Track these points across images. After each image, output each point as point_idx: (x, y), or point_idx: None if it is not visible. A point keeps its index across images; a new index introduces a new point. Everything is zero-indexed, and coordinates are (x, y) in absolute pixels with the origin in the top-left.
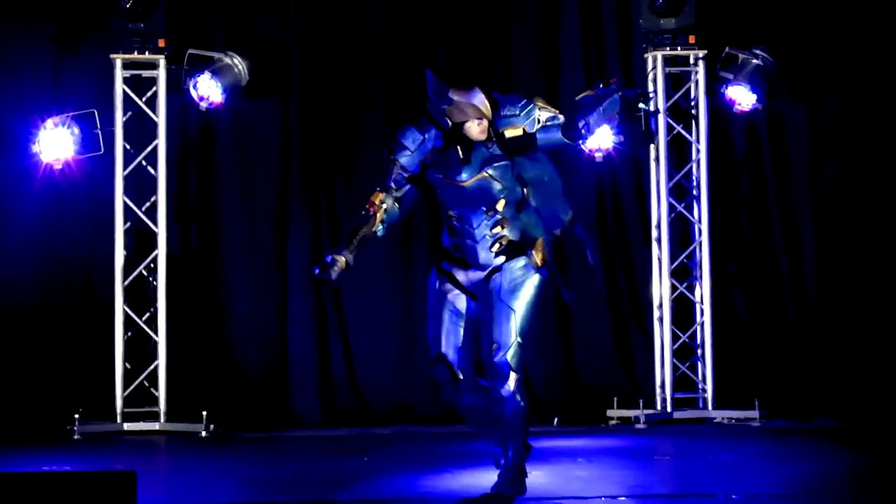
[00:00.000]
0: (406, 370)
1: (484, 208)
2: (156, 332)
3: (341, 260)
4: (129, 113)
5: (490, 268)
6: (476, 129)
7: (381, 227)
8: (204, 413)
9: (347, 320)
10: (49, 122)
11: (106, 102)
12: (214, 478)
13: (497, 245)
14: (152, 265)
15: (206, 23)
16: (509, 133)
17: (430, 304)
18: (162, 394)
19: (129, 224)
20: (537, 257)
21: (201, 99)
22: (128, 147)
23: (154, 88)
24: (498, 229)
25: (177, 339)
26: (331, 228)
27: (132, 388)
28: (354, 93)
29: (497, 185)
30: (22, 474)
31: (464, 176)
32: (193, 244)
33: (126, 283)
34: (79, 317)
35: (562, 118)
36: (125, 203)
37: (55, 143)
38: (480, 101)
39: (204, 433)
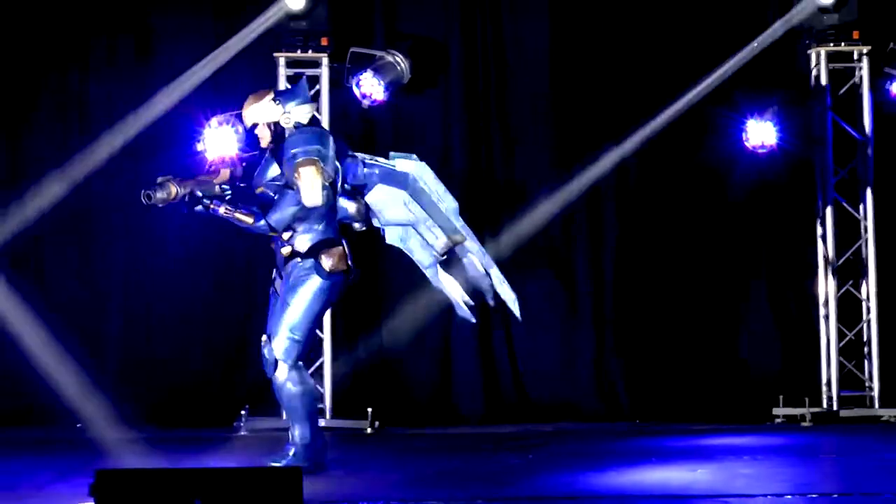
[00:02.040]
0: (568, 367)
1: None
2: (321, 330)
3: (172, 189)
4: None
5: (289, 264)
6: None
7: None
8: (369, 410)
9: (511, 316)
10: (213, 121)
11: None
12: (379, 474)
13: (285, 251)
14: None
15: (367, 21)
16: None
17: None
18: (327, 391)
19: None
20: (327, 263)
21: (364, 96)
22: None
23: (317, 86)
24: (286, 237)
25: (341, 336)
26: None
27: None
28: (515, 91)
29: (271, 198)
30: (190, 470)
31: (256, 184)
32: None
33: None
34: (247, 315)
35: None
36: None
37: (219, 141)
38: (249, 114)
39: (369, 430)
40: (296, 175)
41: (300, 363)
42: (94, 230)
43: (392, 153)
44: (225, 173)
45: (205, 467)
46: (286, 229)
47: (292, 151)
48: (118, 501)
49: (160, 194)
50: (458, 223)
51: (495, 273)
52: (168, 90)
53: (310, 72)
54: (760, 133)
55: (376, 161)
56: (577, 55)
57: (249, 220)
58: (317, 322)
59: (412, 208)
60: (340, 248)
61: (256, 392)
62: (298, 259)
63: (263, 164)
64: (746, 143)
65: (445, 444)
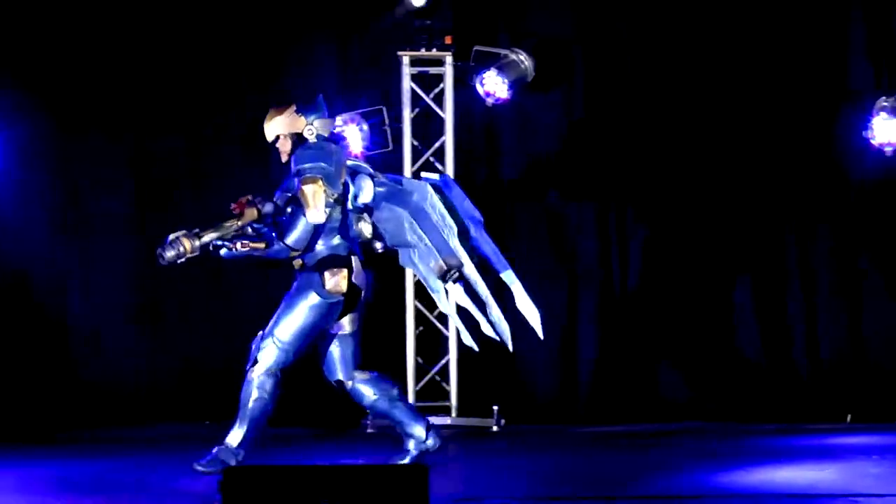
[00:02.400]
0: (696, 365)
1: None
2: (446, 328)
3: (186, 244)
4: (417, 109)
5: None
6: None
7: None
8: (495, 408)
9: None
10: (338, 119)
11: (393, 99)
12: (505, 472)
13: (296, 264)
14: None
15: (492, 19)
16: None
17: None
18: (453, 388)
19: None
20: (328, 283)
21: (487, 95)
22: (415, 143)
23: (441, 85)
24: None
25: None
26: (619, 223)
27: (423, 382)
28: (638, 91)
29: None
30: (317, 467)
31: (278, 195)
32: None
33: (416, 278)
34: (371, 313)
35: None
36: None
37: (345, 140)
38: (271, 127)
39: (495, 427)
40: (300, 191)
41: (277, 372)
42: None
43: (422, 173)
44: (251, 212)
45: (331, 464)
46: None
47: (298, 168)
48: (246, 499)
49: (170, 253)
50: (458, 248)
51: (517, 290)
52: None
53: (433, 70)
54: (889, 132)
55: (386, 180)
56: (699, 53)
57: (261, 245)
58: (306, 337)
59: (414, 229)
60: (345, 270)
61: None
62: (305, 269)
63: (286, 180)
64: (872, 141)
65: (571, 442)
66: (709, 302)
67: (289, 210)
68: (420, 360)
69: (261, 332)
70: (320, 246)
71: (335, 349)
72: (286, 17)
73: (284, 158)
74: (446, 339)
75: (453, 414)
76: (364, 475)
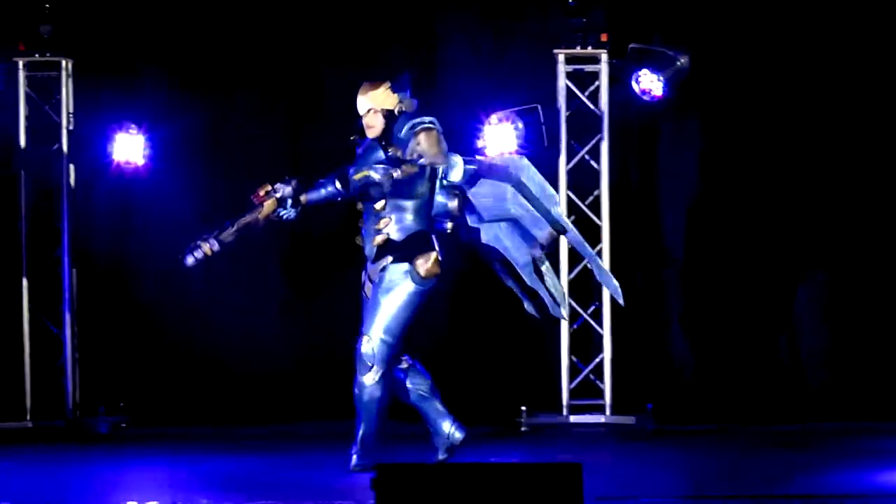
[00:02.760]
0: (849, 364)
1: (371, 204)
2: (601, 326)
3: (205, 247)
4: (573, 107)
5: (379, 264)
6: (365, 124)
7: (292, 211)
8: (649, 406)
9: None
10: (493, 118)
11: (548, 97)
12: (659, 470)
13: (378, 238)
14: None
15: (646, 17)
16: (391, 151)
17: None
18: (607, 387)
19: (573, 217)
20: (422, 269)
21: (643, 93)
22: (571, 141)
23: (596, 83)
24: (381, 225)
25: (621, 332)
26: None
27: (577, 381)
28: (792, 89)
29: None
30: (470, 465)
31: (353, 170)
32: (635, 238)
33: (571, 276)
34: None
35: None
36: (569, 197)
37: (499, 138)
38: (365, 100)
39: (649, 426)
40: (415, 141)
41: (389, 368)
42: None
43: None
44: (270, 204)
45: (484, 462)
46: (382, 209)
47: (412, 122)
48: (399, 496)
49: (189, 259)
50: (562, 216)
51: (597, 264)
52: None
53: (588, 68)
54: None
55: (472, 158)
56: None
57: (414, 169)
58: (407, 327)
59: (518, 200)
60: (434, 252)
61: (538, 388)
62: (390, 260)
63: (364, 153)
64: None
65: (726, 440)
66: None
67: (376, 176)
68: (574, 359)
69: (364, 334)
70: (401, 222)
71: None
72: (443, 14)
73: (371, 133)
74: (601, 337)
75: (607, 412)
76: (518, 473)
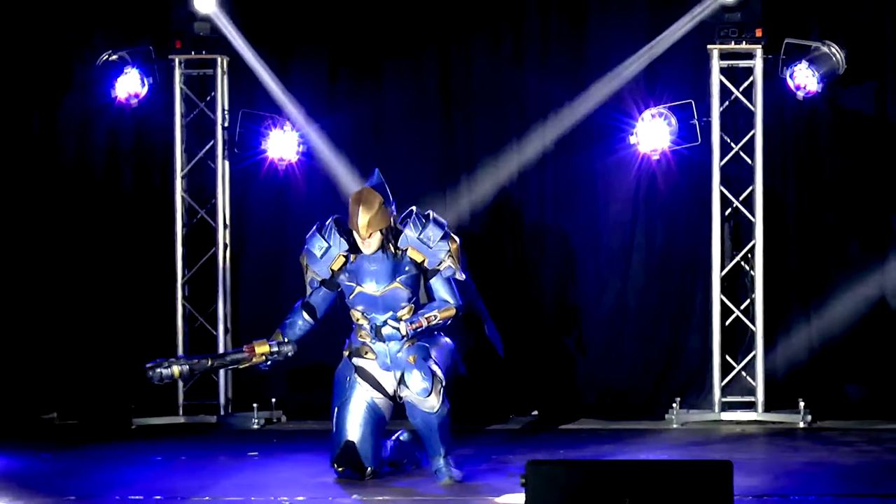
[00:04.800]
0: None
1: (392, 312)
2: (753, 323)
3: (175, 370)
4: (726, 103)
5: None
6: (365, 244)
7: (290, 347)
8: (801, 403)
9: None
10: (646, 114)
11: (702, 93)
12: (811, 468)
13: (408, 343)
14: (749, 255)
15: (801, 12)
16: (411, 254)
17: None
18: (760, 385)
19: (728, 211)
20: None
21: (798, 88)
22: (725, 137)
23: (750, 78)
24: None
25: (773, 329)
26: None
27: (729, 377)
28: None
29: (405, 293)
30: (620, 462)
31: (374, 285)
32: (789, 237)
33: (723, 273)
34: (680, 307)
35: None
36: (722, 193)
37: (653, 135)
38: (366, 224)
39: (801, 424)
40: (447, 252)
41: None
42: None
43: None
44: (259, 358)
45: (634, 460)
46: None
47: (441, 232)
48: (548, 493)
49: (154, 376)
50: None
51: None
52: (600, 84)
53: (743, 63)
54: None
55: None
56: None
57: (451, 312)
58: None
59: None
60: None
61: (688, 384)
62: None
63: (380, 267)
64: None
65: (880, 438)
66: None
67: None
68: (726, 356)
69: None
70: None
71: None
72: (595, 9)
73: (369, 249)
74: (753, 334)
75: (759, 410)
76: (667, 471)
